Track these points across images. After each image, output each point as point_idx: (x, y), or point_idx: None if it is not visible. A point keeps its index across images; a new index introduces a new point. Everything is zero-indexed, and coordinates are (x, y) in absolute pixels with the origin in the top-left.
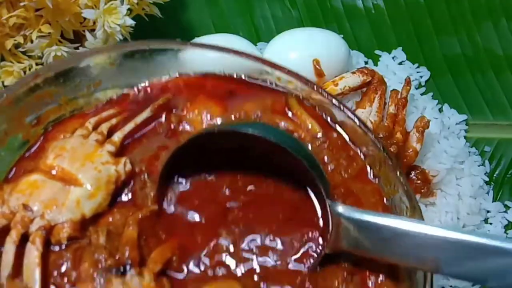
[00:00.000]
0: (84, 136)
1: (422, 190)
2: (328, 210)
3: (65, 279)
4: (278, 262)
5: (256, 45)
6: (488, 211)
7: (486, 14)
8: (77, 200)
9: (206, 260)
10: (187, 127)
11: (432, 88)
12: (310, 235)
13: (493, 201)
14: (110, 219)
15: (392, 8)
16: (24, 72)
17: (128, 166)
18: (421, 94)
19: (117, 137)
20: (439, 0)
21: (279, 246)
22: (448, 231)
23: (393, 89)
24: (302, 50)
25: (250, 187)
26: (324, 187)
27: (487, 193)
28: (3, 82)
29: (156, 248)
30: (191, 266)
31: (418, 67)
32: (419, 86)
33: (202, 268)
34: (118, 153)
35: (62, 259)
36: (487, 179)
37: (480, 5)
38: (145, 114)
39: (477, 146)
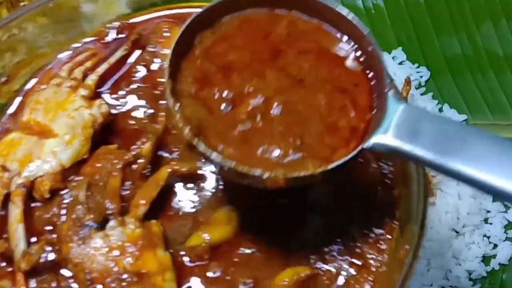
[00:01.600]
0: (58, 85)
1: None
2: (385, 98)
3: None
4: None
5: None
6: (488, 211)
7: (486, 14)
8: (52, 151)
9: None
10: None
11: (432, 88)
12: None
13: (493, 201)
14: (96, 166)
15: (392, 8)
16: None
17: (104, 108)
18: (421, 94)
19: (91, 79)
20: (439, 0)
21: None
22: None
23: None
24: None
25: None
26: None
27: None
28: None
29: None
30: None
31: (418, 67)
32: (419, 86)
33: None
34: (96, 96)
35: (48, 213)
36: None
37: (480, 5)
38: (119, 53)
39: None
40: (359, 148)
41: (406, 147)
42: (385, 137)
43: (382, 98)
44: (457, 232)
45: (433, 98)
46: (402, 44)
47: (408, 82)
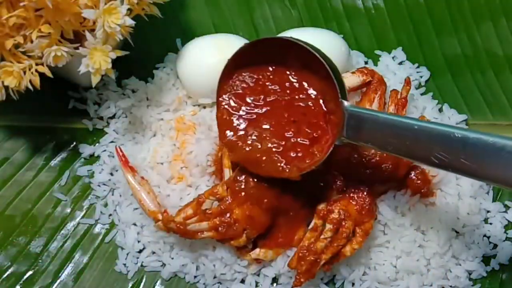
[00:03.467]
0: None
1: (422, 190)
2: (341, 106)
3: None
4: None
5: None
6: (488, 211)
7: (486, 14)
8: None
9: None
10: None
11: (432, 88)
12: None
13: (493, 201)
14: None
15: (392, 8)
16: (24, 72)
17: None
18: (421, 94)
19: None
20: (439, 0)
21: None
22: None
23: (393, 89)
24: None
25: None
26: (340, 88)
27: (487, 193)
28: (3, 82)
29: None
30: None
31: (418, 67)
32: (419, 86)
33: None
34: None
35: None
36: None
37: (480, 5)
38: None
39: None
40: (332, 147)
41: (356, 142)
42: (344, 138)
43: (338, 106)
44: (457, 232)
45: (433, 98)
46: (402, 44)
47: (408, 82)
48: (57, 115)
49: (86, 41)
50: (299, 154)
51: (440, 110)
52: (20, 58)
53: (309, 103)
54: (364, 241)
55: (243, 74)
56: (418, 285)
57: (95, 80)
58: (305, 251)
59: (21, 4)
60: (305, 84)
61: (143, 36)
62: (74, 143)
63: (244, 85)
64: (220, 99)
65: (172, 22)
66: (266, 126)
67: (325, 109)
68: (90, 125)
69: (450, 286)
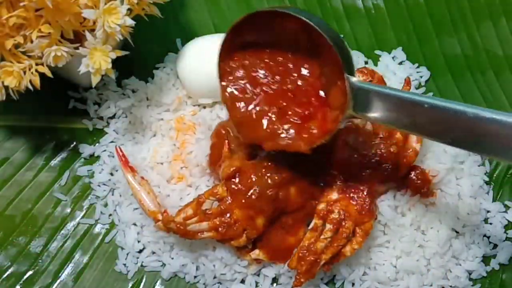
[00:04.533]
0: None
1: (422, 190)
2: (348, 81)
3: None
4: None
5: None
6: (488, 211)
7: (486, 14)
8: None
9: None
10: None
11: (432, 88)
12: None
13: (493, 201)
14: None
15: (392, 8)
16: (24, 72)
17: None
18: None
19: None
20: (439, 0)
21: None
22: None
23: None
24: None
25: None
26: (346, 61)
27: (487, 193)
28: (3, 82)
29: None
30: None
31: (418, 67)
32: (419, 86)
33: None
34: None
35: None
36: (487, 179)
37: (480, 5)
38: None
39: None
40: (340, 121)
41: (364, 118)
42: (350, 111)
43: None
44: (457, 232)
45: None
46: (402, 44)
47: (408, 82)
48: (57, 115)
49: (86, 41)
50: (295, 132)
51: None
52: (20, 58)
53: (299, 82)
54: (364, 241)
55: (243, 56)
56: (418, 285)
57: (95, 80)
58: (305, 251)
59: (21, 4)
60: (301, 63)
61: (143, 36)
62: (74, 143)
63: (244, 70)
64: (223, 83)
65: (172, 22)
66: (265, 107)
67: (320, 86)
68: (90, 125)
69: (450, 286)
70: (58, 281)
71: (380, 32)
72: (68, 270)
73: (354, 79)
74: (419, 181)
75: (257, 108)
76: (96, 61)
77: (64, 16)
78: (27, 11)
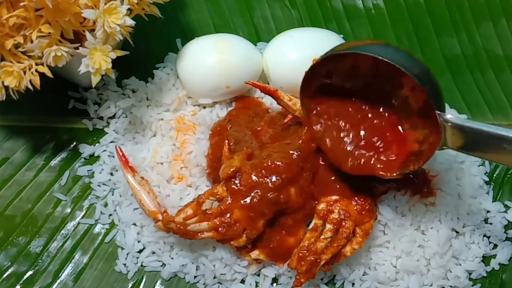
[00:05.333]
0: None
1: (422, 190)
2: (439, 119)
3: None
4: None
5: (256, 45)
6: (488, 211)
7: (486, 14)
8: None
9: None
10: None
11: None
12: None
13: (493, 201)
14: None
15: (392, 8)
16: (24, 72)
17: None
18: None
19: None
20: (439, 0)
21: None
22: None
23: None
24: (302, 50)
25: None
26: (436, 99)
27: (487, 193)
28: (3, 82)
29: None
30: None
31: None
32: None
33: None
34: None
35: None
36: (487, 179)
37: (480, 5)
38: None
39: None
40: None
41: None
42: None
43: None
44: (457, 232)
45: None
46: (402, 44)
47: None
48: (57, 115)
49: (86, 41)
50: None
51: None
52: (20, 58)
53: (375, 121)
54: (364, 241)
55: (325, 102)
56: (418, 285)
57: (95, 80)
58: (305, 251)
59: (21, 4)
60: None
61: (143, 36)
62: (74, 143)
63: (327, 116)
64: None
65: (172, 22)
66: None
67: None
68: (90, 125)
69: (450, 286)
70: (58, 281)
71: (380, 32)
72: (68, 270)
73: (449, 116)
74: (419, 181)
75: (346, 141)
76: (96, 61)
77: (64, 16)
78: (27, 11)
